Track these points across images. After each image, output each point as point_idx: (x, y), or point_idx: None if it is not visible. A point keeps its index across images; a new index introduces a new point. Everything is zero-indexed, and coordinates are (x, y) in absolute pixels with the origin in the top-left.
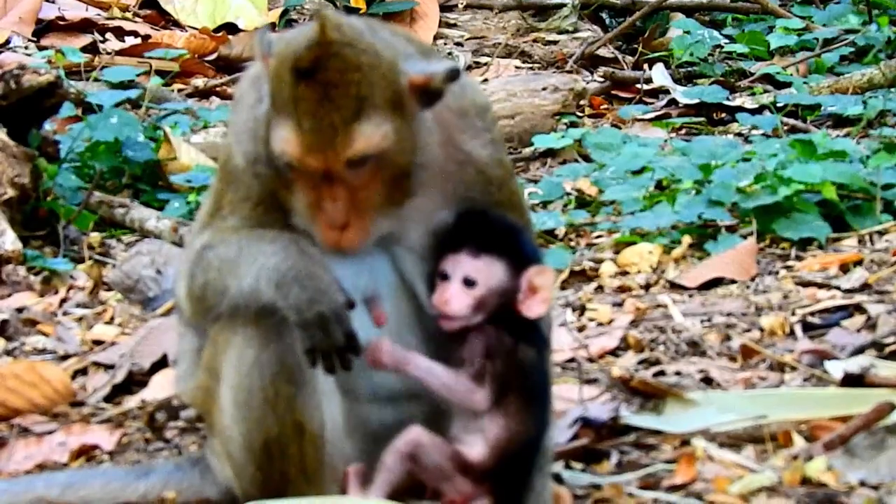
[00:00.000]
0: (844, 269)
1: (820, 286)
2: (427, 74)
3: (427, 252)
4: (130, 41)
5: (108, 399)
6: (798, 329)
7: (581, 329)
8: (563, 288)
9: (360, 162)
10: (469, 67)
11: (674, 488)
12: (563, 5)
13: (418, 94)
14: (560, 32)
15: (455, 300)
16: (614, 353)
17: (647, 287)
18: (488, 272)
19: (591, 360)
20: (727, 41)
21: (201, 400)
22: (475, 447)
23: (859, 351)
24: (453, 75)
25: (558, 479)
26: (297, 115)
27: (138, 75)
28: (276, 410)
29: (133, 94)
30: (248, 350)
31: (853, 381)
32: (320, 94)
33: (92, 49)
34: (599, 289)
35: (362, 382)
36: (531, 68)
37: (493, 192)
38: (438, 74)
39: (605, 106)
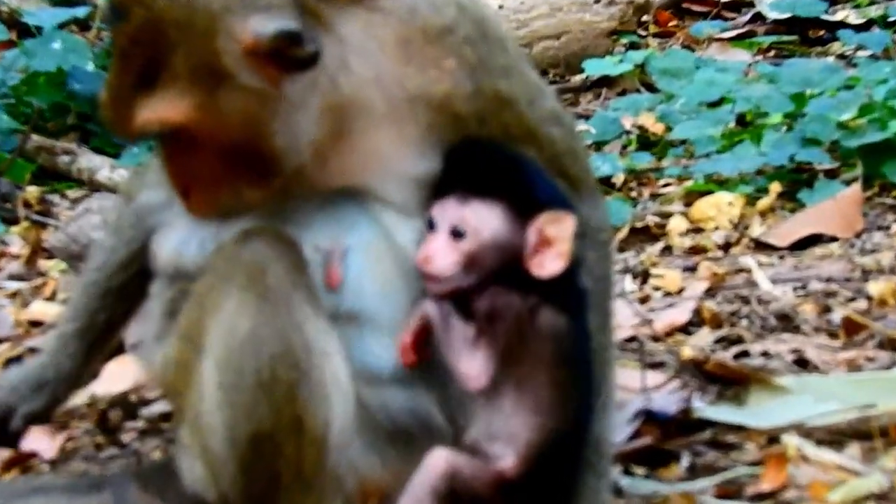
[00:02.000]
0: None
1: None
2: (254, 36)
3: (413, 207)
4: None
5: None
6: None
7: (644, 300)
8: (621, 249)
9: (159, 135)
10: None
11: (759, 497)
12: None
13: (266, 58)
14: None
15: (439, 256)
16: (685, 329)
17: (726, 247)
18: (479, 220)
19: (655, 338)
20: None
21: (174, 376)
22: (505, 456)
23: None
24: (288, 37)
25: (616, 488)
26: (109, 68)
27: None
28: (271, 399)
29: (80, 12)
30: (242, 320)
31: None
32: (119, 48)
33: None
34: (667, 250)
35: (376, 355)
36: None
37: (474, 130)
38: (266, 36)
39: (674, 23)
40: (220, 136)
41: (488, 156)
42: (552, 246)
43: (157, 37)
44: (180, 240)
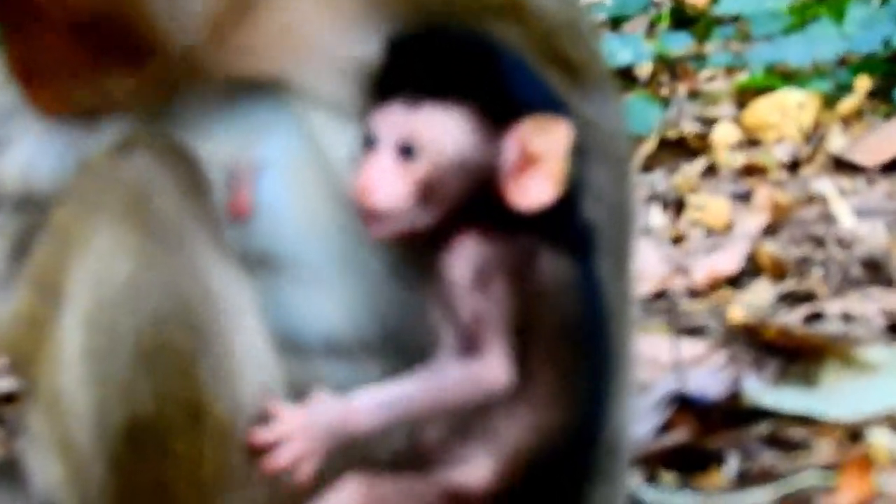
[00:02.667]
0: None
1: None
2: None
3: (351, 107)
4: None
5: None
6: None
7: (678, 240)
8: (646, 168)
9: None
10: None
11: None
12: None
13: None
14: None
15: (383, 184)
16: (735, 281)
17: (793, 166)
18: (436, 132)
19: (693, 293)
20: None
21: (22, 339)
22: (475, 466)
23: None
24: None
25: (636, 502)
26: None
27: None
28: (158, 373)
29: None
30: (119, 263)
31: None
32: None
33: None
34: (711, 170)
35: (313, 324)
36: None
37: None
38: None
39: None
40: (73, 6)
41: (445, 41)
42: (538, 165)
43: None
44: (31, 155)
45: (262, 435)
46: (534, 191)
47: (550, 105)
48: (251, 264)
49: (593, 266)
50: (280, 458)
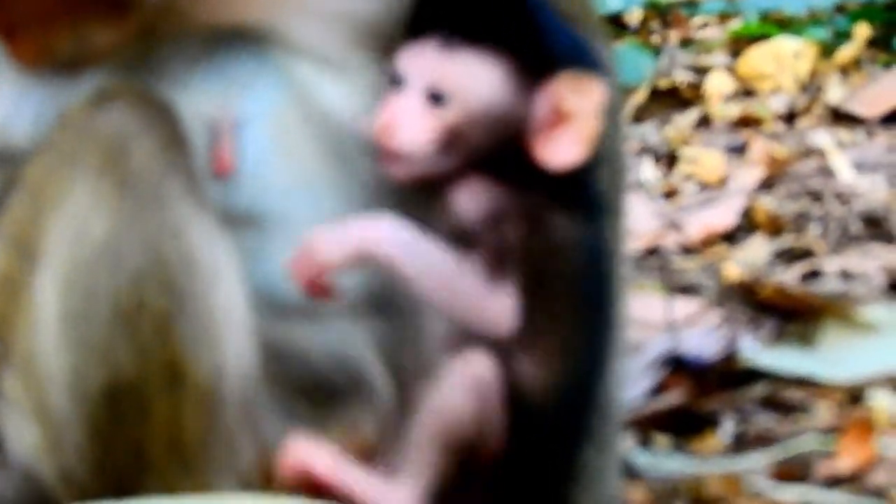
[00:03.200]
0: None
1: None
2: None
3: (341, 56)
4: None
5: None
6: None
7: (670, 194)
8: (637, 119)
9: None
10: None
11: (835, 480)
12: None
13: None
14: None
15: (408, 125)
16: (731, 237)
17: (789, 118)
18: (469, 79)
19: (687, 250)
20: None
21: None
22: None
23: None
24: None
25: (629, 467)
26: None
27: None
28: (137, 335)
29: None
30: (96, 220)
31: None
32: None
33: None
34: (704, 121)
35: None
36: None
37: None
38: None
39: None
40: None
41: None
42: (570, 123)
43: None
44: (6, 109)
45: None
46: (562, 149)
47: (587, 62)
48: (234, 222)
49: (601, 228)
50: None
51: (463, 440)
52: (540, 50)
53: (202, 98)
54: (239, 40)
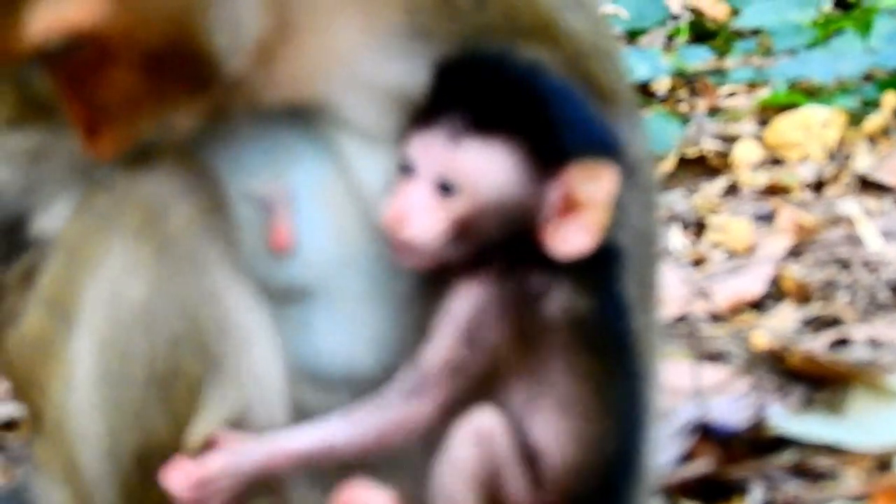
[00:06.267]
0: None
1: None
2: None
3: (383, 131)
4: None
5: None
6: None
7: (698, 262)
8: (665, 187)
9: (58, 51)
10: None
11: None
12: None
13: None
14: None
15: (419, 216)
16: (758, 305)
17: (817, 186)
18: (479, 170)
19: (715, 318)
20: None
21: (30, 359)
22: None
23: None
24: None
25: None
26: None
27: None
28: (171, 399)
29: None
30: (134, 283)
31: None
32: None
33: None
34: (732, 189)
35: (328, 348)
36: None
37: (467, 17)
38: None
39: None
40: (140, 38)
41: (495, 70)
42: (581, 212)
43: None
44: (62, 209)
45: (189, 471)
46: (573, 238)
47: (600, 147)
48: (282, 294)
49: (618, 288)
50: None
51: (481, 494)
52: (553, 139)
53: (253, 172)
54: (289, 116)
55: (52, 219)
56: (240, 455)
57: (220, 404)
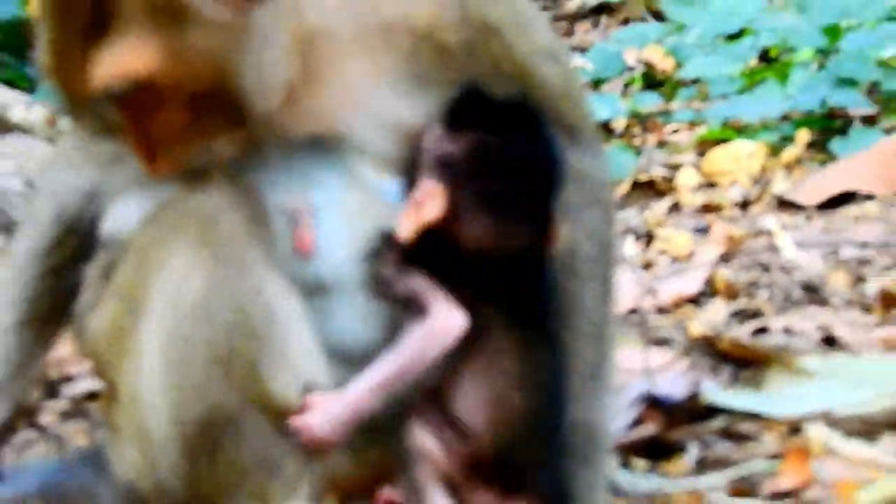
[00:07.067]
0: None
1: None
2: None
3: (393, 157)
4: None
5: None
6: None
7: (648, 266)
8: (622, 207)
9: (120, 93)
10: None
11: (778, 496)
12: None
13: None
14: None
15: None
16: (695, 301)
17: (744, 205)
18: None
19: (661, 311)
20: None
21: (108, 345)
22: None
23: None
24: None
25: (613, 486)
26: (41, 16)
27: None
28: (229, 374)
29: None
30: (193, 280)
31: None
32: None
33: None
34: (675, 208)
35: (359, 330)
36: None
37: (460, 64)
38: None
39: None
40: (187, 82)
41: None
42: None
43: None
44: (129, 213)
45: (303, 421)
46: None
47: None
48: (309, 289)
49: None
50: (315, 440)
51: None
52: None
53: (284, 190)
54: (314, 145)
55: (118, 223)
56: (334, 404)
57: (281, 378)
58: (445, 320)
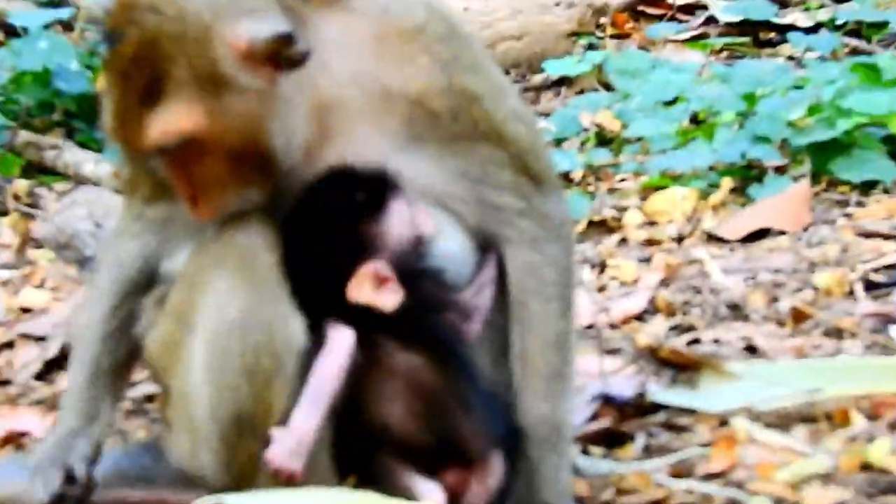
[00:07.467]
0: None
1: (885, 237)
2: (249, 40)
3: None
4: None
5: (39, 377)
6: (859, 288)
7: (601, 290)
8: (580, 241)
9: (170, 149)
10: None
11: (710, 476)
12: None
13: (262, 60)
14: None
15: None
16: (640, 317)
17: (679, 239)
18: None
19: (612, 326)
20: None
21: (163, 355)
22: None
23: None
24: (283, 38)
25: (575, 468)
26: (107, 89)
27: None
28: (253, 383)
29: (64, 13)
30: (233, 304)
31: None
32: (118, 68)
33: None
34: (623, 242)
35: None
36: None
37: (447, 125)
38: (261, 39)
39: (631, 24)
40: (226, 140)
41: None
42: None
43: (155, 53)
44: (179, 256)
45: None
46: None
47: None
48: None
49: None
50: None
51: None
52: None
53: None
54: None
55: (172, 264)
56: (287, 437)
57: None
58: (337, 338)
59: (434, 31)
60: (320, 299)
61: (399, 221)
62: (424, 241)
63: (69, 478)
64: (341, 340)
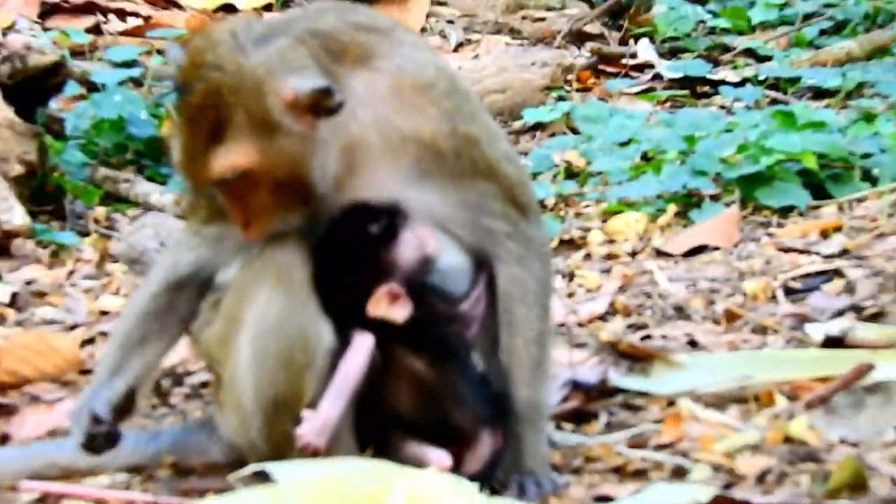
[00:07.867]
0: (824, 235)
1: (801, 252)
2: (295, 93)
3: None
4: (132, 22)
5: None
6: (780, 293)
7: (570, 295)
8: (553, 256)
9: (228, 180)
10: (460, 44)
11: (661, 447)
12: None
13: (304, 109)
14: (548, 10)
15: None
16: (602, 318)
17: (633, 254)
18: None
19: (580, 325)
20: (710, 16)
21: (216, 349)
22: None
23: (839, 314)
24: (323, 92)
25: (550, 441)
26: (177, 131)
27: (140, 54)
28: (288, 373)
29: (135, 72)
30: (271, 308)
31: (833, 342)
32: (187, 114)
33: (95, 30)
34: (588, 256)
35: None
36: (520, 44)
37: (451, 163)
38: (304, 93)
39: (593, 80)
40: (274, 174)
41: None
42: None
43: (218, 102)
44: (230, 270)
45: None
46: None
47: None
48: None
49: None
50: (310, 446)
51: None
52: None
53: None
54: None
55: (226, 274)
56: (316, 418)
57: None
58: (360, 341)
59: (441, 87)
60: (346, 313)
61: (409, 247)
62: (430, 261)
63: (95, 419)
64: (363, 343)
